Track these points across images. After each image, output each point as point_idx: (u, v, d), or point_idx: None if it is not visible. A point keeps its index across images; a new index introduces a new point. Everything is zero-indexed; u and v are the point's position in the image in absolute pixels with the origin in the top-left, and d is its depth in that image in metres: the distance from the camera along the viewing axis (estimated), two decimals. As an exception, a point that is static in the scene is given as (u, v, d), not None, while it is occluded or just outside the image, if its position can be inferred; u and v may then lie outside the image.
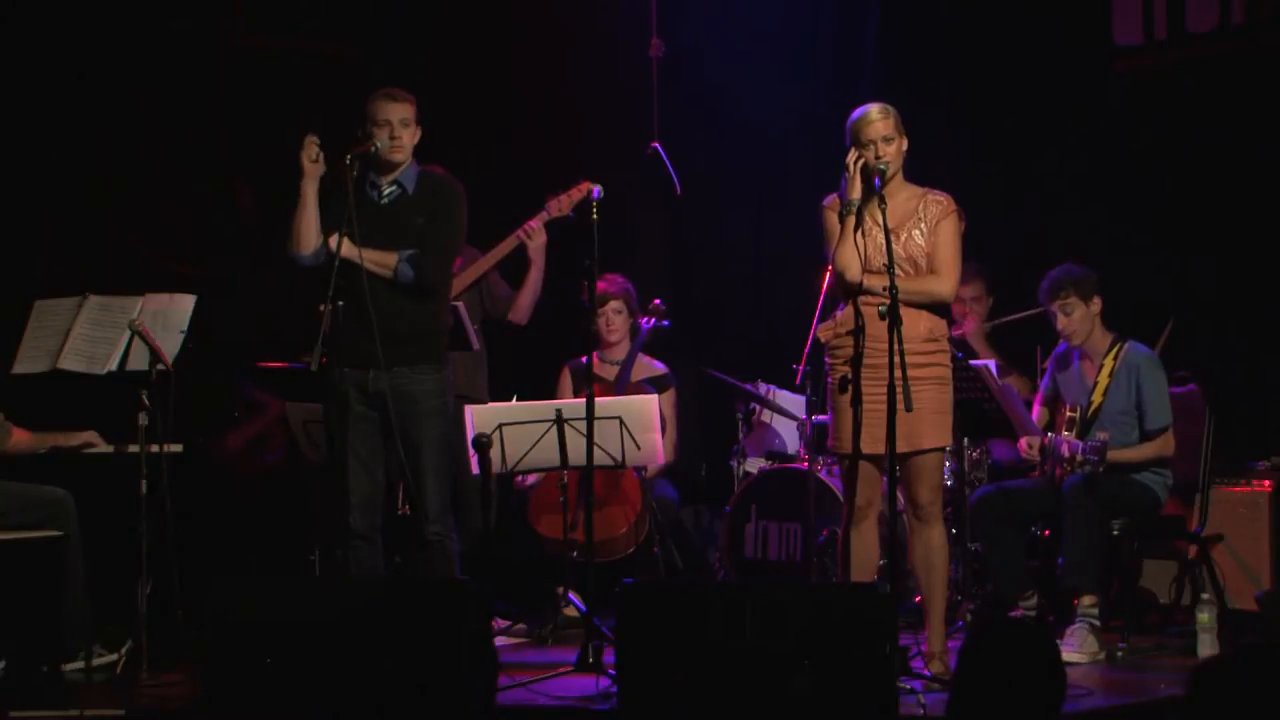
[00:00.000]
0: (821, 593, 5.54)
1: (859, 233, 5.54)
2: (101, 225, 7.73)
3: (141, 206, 7.91)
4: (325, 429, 5.98)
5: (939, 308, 5.63)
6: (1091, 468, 6.30)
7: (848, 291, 5.56)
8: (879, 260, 5.49)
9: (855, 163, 5.54)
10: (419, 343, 5.72)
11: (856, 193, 5.54)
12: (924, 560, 5.65)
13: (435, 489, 5.71)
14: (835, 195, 5.63)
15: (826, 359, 5.70)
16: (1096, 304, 6.57)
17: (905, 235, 5.56)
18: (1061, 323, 6.58)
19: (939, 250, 5.59)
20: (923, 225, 5.61)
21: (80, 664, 5.90)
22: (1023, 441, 6.58)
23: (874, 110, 5.58)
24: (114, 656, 6.00)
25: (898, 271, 5.35)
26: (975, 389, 6.44)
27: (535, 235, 6.88)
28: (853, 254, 5.51)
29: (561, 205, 6.79)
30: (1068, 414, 6.52)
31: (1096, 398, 6.54)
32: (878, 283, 5.42)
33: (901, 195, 5.59)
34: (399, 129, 5.70)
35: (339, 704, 4.81)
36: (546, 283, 7.04)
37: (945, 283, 5.60)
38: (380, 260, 5.65)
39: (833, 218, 5.62)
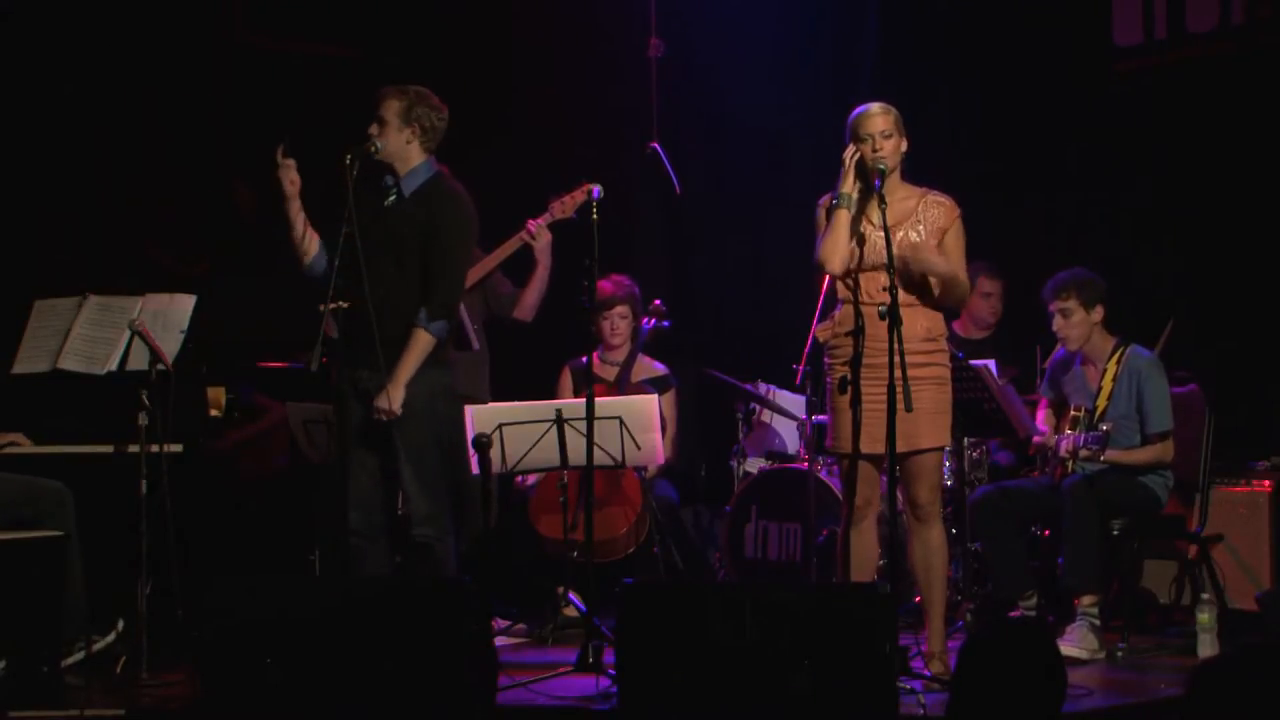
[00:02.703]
0: (821, 593, 5.54)
1: (854, 237, 5.53)
2: (101, 225, 7.73)
3: (141, 207, 7.91)
4: (333, 427, 5.99)
5: (937, 306, 5.63)
6: (1092, 455, 6.30)
7: (844, 290, 5.58)
8: (873, 259, 5.49)
9: (851, 156, 5.55)
10: (411, 344, 5.72)
11: (848, 186, 5.54)
12: (923, 560, 5.65)
13: (423, 490, 5.70)
14: (830, 195, 5.63)
15: (826, 359, 5.71)
16: (1098, 312, 6.55)
17: (901, 234, 5.55)
18: (1058, 324, 6.57)
19: (952, 257, 5.59)
20: (920, 226, 5.61)
21: (80, 655, 5.90)
22: (1037, 438, 6.60)
23: (875, 106, 5.59)
24: (110, 637, 6.01)
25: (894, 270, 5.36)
26: (975, 389, 6.44)
27: (540, 235, 6.86)
28: (835, 246, 5.51)
29: (565, 207, 6.77)
30: (1072, 413, 6.52)
31: (1101, 402, 6.54)
32: (877, 283, 5.44)
33: (899, 194, 5.59)
34: (374, 125, 5.70)
35: (339, 704, 4.81)
36: (548, 281, 7.04)
37: (965, 281, 5.63)
38: (419, 353, 5.62)
39: (824, 215, 5.62)
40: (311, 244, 5.75)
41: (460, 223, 5.80)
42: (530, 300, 7.02)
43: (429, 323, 5.66)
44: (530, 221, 6.84)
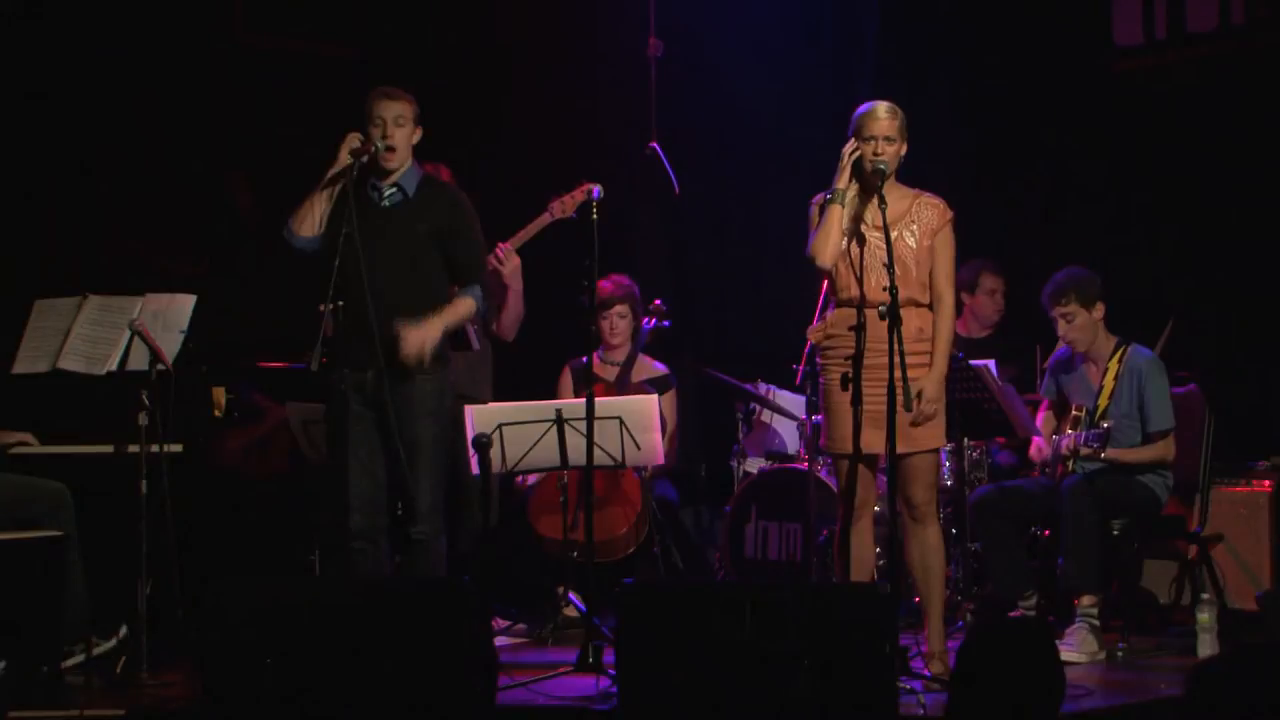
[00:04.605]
0: (821, 593, 5.54)
1: (854, 238, 5.54)
2: (101, 225, 7.73)
3: (141, 207, 7.91)
4: (327, 430, 5.99)
5: (929, 305, 5.63)
6: (1093, 452, 6.30)
7: (839, 290, 5.58)
8: (871, 259, 5.49)
9: (850, 153, 5.54)
10: (419, 344, 5.72)
11: (843, 183, 5.53)
12: (920, 560, 5.66)
13: (427, 489, 5.70)
14: (824, 193, 5.63)
15: (818, 360, 5.71)
16: (1099, 310, 6.55)
17: (895, 235, 5.53)
18: (1063, 330, 6.58)
19: (941, 264, 5.59)
20: (914, 227, 5.61)
21: (80, 658, 5.91)
22: (1034, 447, 6.60)
23: (882, 107, 5.57)
24: (111, 643, 6.01)
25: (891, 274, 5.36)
26: (975, 389, 6.44)
27: (507, 260, 6.83)
28: (826, 240, 5.51)
29: (565, 206, 6.76)
30: (1074, 413, 6.52)
31: (1102, 401, 6.54)
32: (876, 283, 5.44)
33: (893, 196, 5.57)
34: (392, 127, 5.69)
35: (339, 705, 4.81)
36: (548, 282, 7.04)
37: (950, 298, 5.63)
38: (463, 313, 5.72)
39: (818, 211, 5.62)
40: (319, 219, 5.71)
41: (473, 212, 5.87)
42: (507, 321, 7.02)
43: (477, 301, 5.75)
44: (500, 245, 6.80)
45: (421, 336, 5.60)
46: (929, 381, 5.53)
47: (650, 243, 8.73)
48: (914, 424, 5.49)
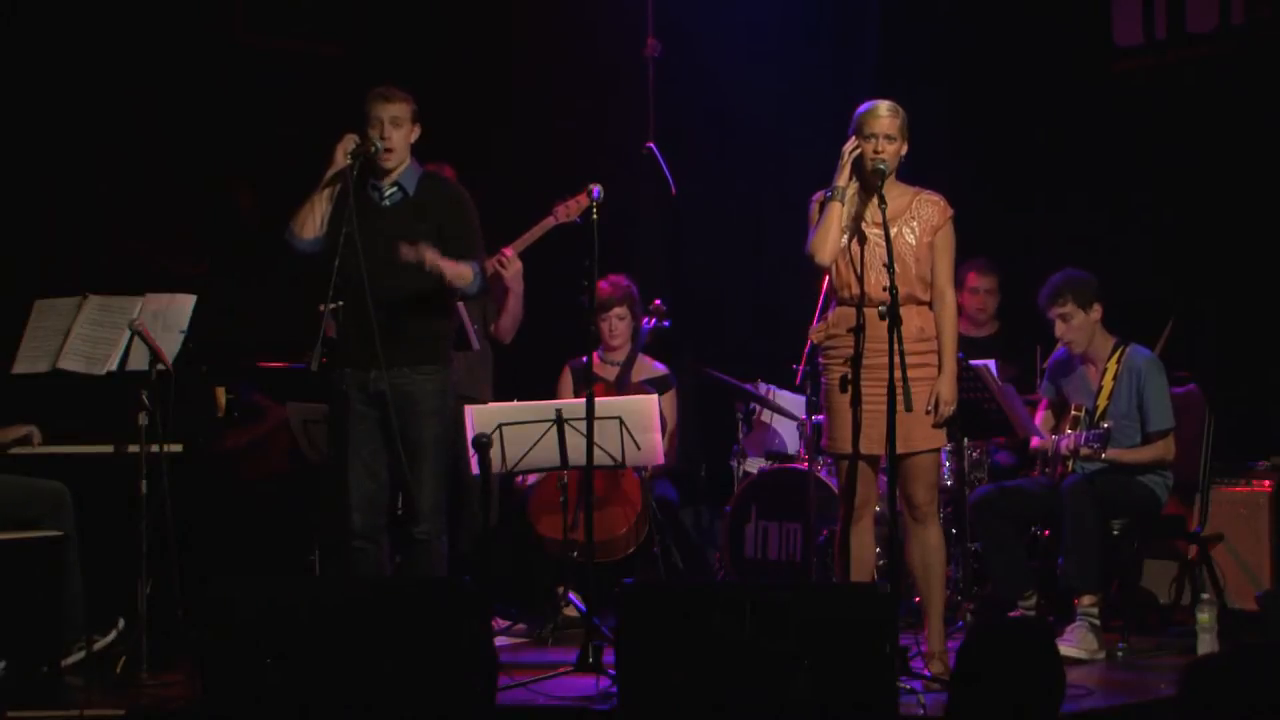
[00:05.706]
0: (821, 593, 5.54)
1: (854, 236, 5.54)
2: (101, 225, 7.74)
3: (141, 207, 7.91)
4: (329, 430, 5.98)
5: (929, 302, 5.63)
6: (1094, 453, 6.30)
7: (839, 290, 5.58)
8: (872, 259, 5.49)
9: (850, 151, 5.54)
10: (422, 343, 5.72)
11: (843, 180, 5.54)
12: (921, 560, 5.66)
13: (430, 489, 5.71)
14: (824, 191, 5.63)
15: (820, 359, 5.71)
16: (1097, 311, 6.56)
17: (895, 232, 5.53)
18: (1060, 330, 6.58)
19: (942, 262, 5.59)
20: (914, 224, 5.61)
21: (80, 655, 5.91)
22: (1035, 440, 6.60)
23: (884, 106, 5.58)
24: (111, 636, 6.01)
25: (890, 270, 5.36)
26: (975, 389, 6.44)
27: (510, 264, 6.83)
28: (825, 237, 5.52)
29: (569, 211, 6.74)
30: (1073, 413, 6.52)
31: (1102, 401, 6.54)
32: (877, 282, 5.44)
33: (892, 193, 5.57)
34: (389, 128, 5.70)
35: (339, 704, 4.81)
36: (548, 282, 7.03)
37: (952, 296, 5.64)
38: (461, 272, 5.64)
39: (817, 209, 5.62)
40: (319, 222, 5.70)
41: (473, 208, 5.86)
42: (505, 324, 7.02)
43: (477, 274, 5.70)
44: (503, 250, 6.79)
45: (425, 251, 5.56)
46: (942, 384, 5.55)
47: (650, 243, 8.72)
48: (936, 426, 5.54)
